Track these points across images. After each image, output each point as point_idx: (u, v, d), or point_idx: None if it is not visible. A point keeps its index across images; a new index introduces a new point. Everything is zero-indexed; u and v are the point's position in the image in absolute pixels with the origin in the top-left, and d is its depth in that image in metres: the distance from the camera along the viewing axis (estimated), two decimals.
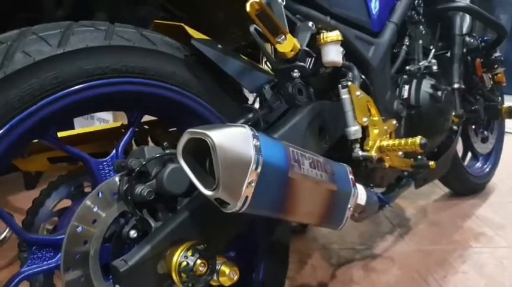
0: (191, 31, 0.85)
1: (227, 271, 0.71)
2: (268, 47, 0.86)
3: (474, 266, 1.43)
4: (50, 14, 1.53)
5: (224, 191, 0.60)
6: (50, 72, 0.67)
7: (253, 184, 0.62)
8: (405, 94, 1.24)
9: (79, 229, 0.71)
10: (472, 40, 1.56)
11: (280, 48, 0.73)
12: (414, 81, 1.24)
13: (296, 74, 0.76)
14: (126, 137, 0.83)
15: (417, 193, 1.95)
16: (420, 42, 1.37)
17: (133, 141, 1.13)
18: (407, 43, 1.29)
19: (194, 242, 0.68)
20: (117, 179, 0.75)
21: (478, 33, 1.64)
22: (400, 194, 1.37)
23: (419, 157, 1.27)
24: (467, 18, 1.60)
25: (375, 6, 1.14)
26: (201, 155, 0.63)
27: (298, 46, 0.75)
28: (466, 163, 2.01)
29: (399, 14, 1.22)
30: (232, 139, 0.61)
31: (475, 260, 1.47)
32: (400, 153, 1.14)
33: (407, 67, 1.29)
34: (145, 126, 1.14)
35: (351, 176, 0.85)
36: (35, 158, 0.92)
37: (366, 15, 1.13)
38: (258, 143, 0.64)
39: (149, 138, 1.16)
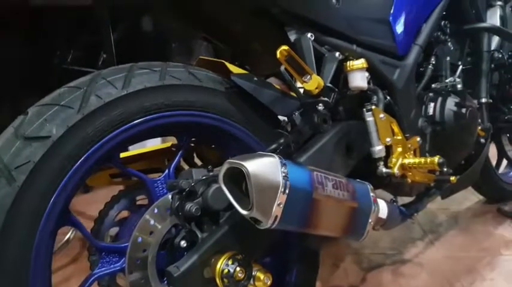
0: (231, 67, 0.98)
1: (262, 276, 0.84)
2: None
3: (502, 274, 1.48)
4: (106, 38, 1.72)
5: (257, 212, 0.73)
6: (117, 110, 0.82)
7: (281, 205, 0.75)
8: (430, 111, 1.31)
9: (139, 239, 0.86)
10: (500, 56, 1.61)
11: (307, 86, 0.85)
12: (439, 99, 1.31)
13: (320, 107, 0.87)
14: (176, 159, 0.97)
15: (451, 199, 1.97)
16: (448, 59, 1.44)
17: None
18: (434, 61, 1.36)
19: (234, 253, 0.81)
20: (169, 197, 0.89)
21: (509, 47, 1.69)
22: (428, 203, 1.45)
23: (445, 169, 1.35)
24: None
25: (400, 31, 1.23)
26: (238, 178, 0.76)
27: (322, 84, 0.86)
28: (500, 171, 2.04)
29: (424, 36, 1.30)
30: (264, 168, 0.73)
31: (504, 268, 1.52)
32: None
33: (433, 85, 1.36)
34: (192, 145, 1.28)
35: (372, 194, 0.95)
36: (99, 175, 1.09)
37: (391, 40, 1.21)
38: (286, 170, 0.76)
39: (194, 155, 1.31)
